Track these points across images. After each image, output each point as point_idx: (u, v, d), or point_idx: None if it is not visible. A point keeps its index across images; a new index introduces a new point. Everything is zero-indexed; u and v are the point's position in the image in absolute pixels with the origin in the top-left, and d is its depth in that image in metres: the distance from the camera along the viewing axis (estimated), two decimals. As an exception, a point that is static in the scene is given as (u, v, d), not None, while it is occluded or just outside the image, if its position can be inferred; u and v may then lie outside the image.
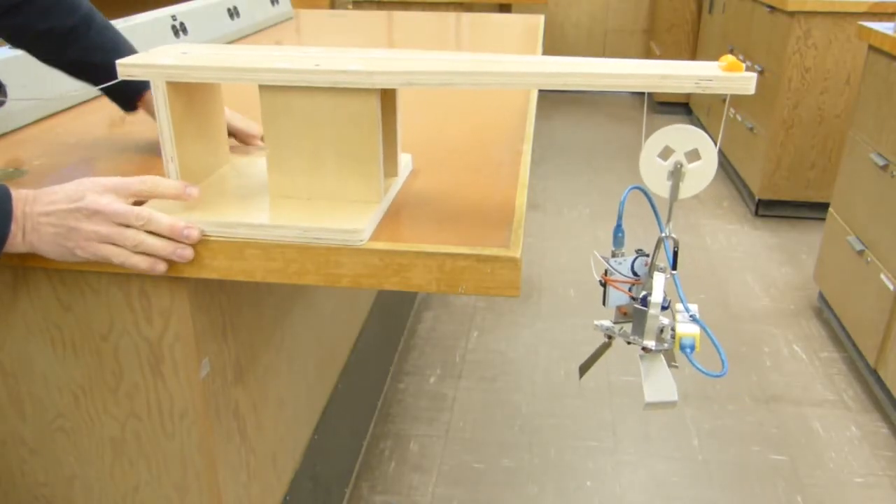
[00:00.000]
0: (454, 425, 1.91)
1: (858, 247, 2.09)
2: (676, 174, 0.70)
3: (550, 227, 3.09)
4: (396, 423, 1.91)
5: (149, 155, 1.02)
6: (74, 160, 0.99)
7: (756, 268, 2.76)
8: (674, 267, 0.74)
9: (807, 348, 2.26)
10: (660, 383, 0.75)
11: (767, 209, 3.19)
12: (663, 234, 0.73)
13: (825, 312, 2.41)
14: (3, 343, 0.89)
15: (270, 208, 0.80)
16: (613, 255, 0.77)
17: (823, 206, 3.06)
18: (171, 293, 0.83)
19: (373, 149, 0.79)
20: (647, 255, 0.75)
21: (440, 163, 0.99)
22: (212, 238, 0.77)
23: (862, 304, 2.06)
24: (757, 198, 3.16)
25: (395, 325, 2.19)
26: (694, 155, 0.70)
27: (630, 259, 0.76)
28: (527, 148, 1.05)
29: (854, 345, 2.15)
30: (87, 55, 0.97)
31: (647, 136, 0.71)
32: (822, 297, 2.43)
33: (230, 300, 0.94)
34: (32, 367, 0.90)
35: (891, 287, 1.90)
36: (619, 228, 0.78)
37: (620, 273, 0.76)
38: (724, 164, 3.77)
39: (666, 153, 0.70)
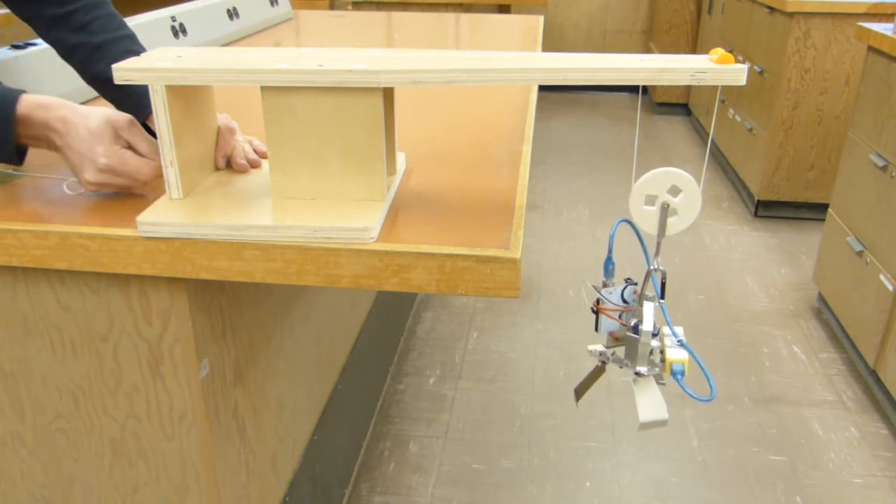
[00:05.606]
0: (453, 426, 1.91)
1: (858, 247, 2.10)
2: (664, 212, 0.75)
3: (550, 227, 3.09)
4: (396, 424, 1.91)
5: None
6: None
7: (755, 268, 2.76)
8: (662, 297, 0.78)
9: (806, 349, 2.26)
10: (652, 404, 0.79)
11: (767, 210, 3.19)
12: (651, 268, 0.77)
13: (824, 313, 2.42)
14: (3, 344, 0.89)
15: (276, 210, 0.80)
16: (604, 286, 0.81)
17: (823, 207, 3.07)
18: (171, 294, 0.83)
19: (377, 147, 0.79)
20: (636, 284, 0.80)
21: (439, 163, 0.99)
22: (211, 239, 0.77)
23: (861, 304, 2.06)
24: (756, 198, 3.16)
25: (395, 325, 2.18)
26: (675, 190, 0.74)
27: (620, 288, 0.80)
28: (527, 148, 1.05)
29: (853, 345, 2.16)
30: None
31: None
32: (821, 297, 2.44)
33: (230, 301, 0.94)
34: (32, 367, 0.90)
35: (890, 288, 1.90)
36: (609, 261, 0.82)
37: (611, 302, 0.80)
38: (724, 164, 3.77)
39: (651, 199, 0.74)
